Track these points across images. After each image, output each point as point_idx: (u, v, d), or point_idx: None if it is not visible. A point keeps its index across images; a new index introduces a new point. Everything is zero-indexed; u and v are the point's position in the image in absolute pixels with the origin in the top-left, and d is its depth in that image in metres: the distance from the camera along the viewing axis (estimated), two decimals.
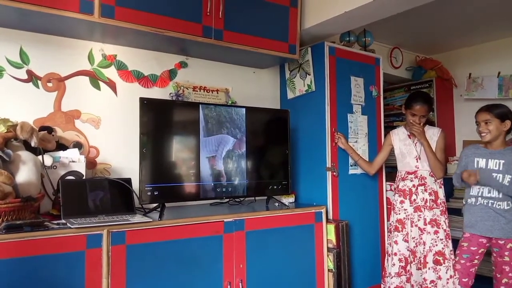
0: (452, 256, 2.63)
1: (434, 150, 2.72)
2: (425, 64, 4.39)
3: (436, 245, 2.62)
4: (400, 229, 2.76)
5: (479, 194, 2.54)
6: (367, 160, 3.06)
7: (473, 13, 3.37)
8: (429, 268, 2.61)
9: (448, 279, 2.57)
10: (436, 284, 2.59)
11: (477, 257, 2.55)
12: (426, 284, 2.61)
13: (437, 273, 2.59)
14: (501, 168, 2.46)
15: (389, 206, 3.16)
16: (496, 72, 4.00)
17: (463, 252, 2.58)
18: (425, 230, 2.67)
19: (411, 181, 2.77)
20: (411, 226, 2.72)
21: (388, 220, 3.12)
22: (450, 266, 2.59)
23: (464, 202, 2.67)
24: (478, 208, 2.53)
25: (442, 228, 2.65)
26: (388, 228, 2.98)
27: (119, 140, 2.52)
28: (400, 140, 2.89)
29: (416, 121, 2.73)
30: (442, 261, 2.59)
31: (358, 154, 2.98)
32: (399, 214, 2.78)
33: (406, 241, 2.73)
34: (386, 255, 2.88)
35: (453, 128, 4.34)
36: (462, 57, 4.36)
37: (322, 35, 2.99)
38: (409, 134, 2.84)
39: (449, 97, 4.41)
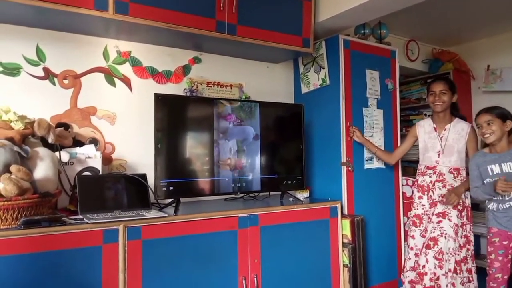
0: (457, 251, 2.56)
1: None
2: (442, 56, 4.31)
3: (434, 231, 2.57)
4: (417, 224, 2.73)
5: (500, 198, 2.44)
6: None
7: (490, 4, 3.29)
8: (421, 253, 2.60)
9: (438, 266, 2.51)
10: (424, 267, 2.55)
11: (510, 251, 2.46)
12: (419, 269, 2.58)
13: (425, 256, 2.55)
14: None
15: (405, 201, 3.12)
16: None
17: (497, 249, 2.45)
18: (430, 220, 2.64)
19: (430, 176, 2.71)
20: (428, 222, 2.67)
21: (405, 215, 3.09)
22: (446, 260, 2.51)
23: (487, 208, 2.57)
24: (501, 212, 2.45)
25: (448, 218, 2.57)
26: (407, 222, 2.94)
27: (135, 136, 2.54)
28: (425, 132, 2.79)
29: (435, 100, 2.65)
30: (432, 245, 2.54)
31: (375, 145, 2.94)
32: (417, 209, 2.75)
33: (424, 236, 2.69)
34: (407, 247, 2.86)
35: (471, 122, 4.25)
36: (480, 48, 4.27)
37: (337, 28, 2.96)
38: (435, 126, 2.75)
39: (467, 90, 4.33)
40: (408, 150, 2.94)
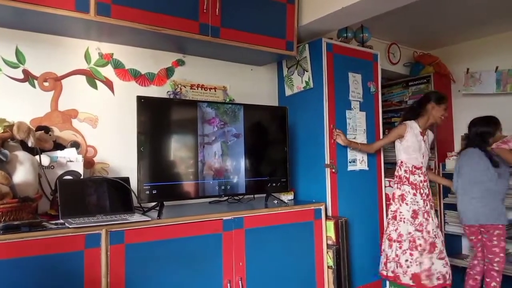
0: None
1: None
2: (423, 59, 4.37)
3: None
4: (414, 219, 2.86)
5: None
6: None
7: (470, 8, 3.35)
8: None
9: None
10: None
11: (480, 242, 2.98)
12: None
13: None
14: None
15: (388, 203, 3.15)
16: (494, 67, 3.99)
17: (475, 243, 3.00)
18: (427, 215, 2.85)
19: (419, 176, 2.89)
20: (423, 217, 2.83)
21: (387, 215, 3.11)
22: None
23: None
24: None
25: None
26: (392, 216, 2.92)
27: (117, 139, 2.51)
28: (414, 134, 2.93)
29: (445, 114, 2.94)
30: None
31: (356, 142, 3.01)
32: (414, 205, 2.86)
33: (419, 231, 2.80)
34: (388, 241, 2.89)
35: (451, 124, 4.33)
36: (460, 52, 4.35)
37: (320, 32, 2.98)
38: (421, 130, 2.93)
39: (447, 93, 4.38)
40: (386, 145, 3.15)
